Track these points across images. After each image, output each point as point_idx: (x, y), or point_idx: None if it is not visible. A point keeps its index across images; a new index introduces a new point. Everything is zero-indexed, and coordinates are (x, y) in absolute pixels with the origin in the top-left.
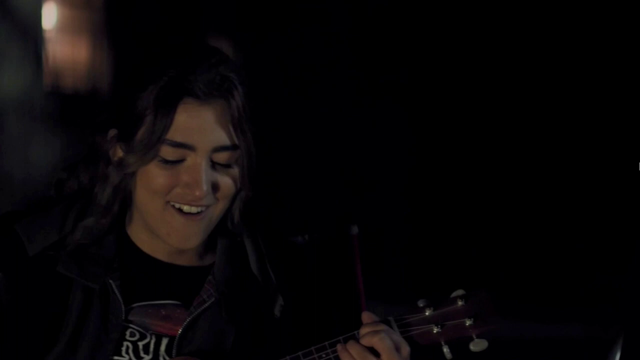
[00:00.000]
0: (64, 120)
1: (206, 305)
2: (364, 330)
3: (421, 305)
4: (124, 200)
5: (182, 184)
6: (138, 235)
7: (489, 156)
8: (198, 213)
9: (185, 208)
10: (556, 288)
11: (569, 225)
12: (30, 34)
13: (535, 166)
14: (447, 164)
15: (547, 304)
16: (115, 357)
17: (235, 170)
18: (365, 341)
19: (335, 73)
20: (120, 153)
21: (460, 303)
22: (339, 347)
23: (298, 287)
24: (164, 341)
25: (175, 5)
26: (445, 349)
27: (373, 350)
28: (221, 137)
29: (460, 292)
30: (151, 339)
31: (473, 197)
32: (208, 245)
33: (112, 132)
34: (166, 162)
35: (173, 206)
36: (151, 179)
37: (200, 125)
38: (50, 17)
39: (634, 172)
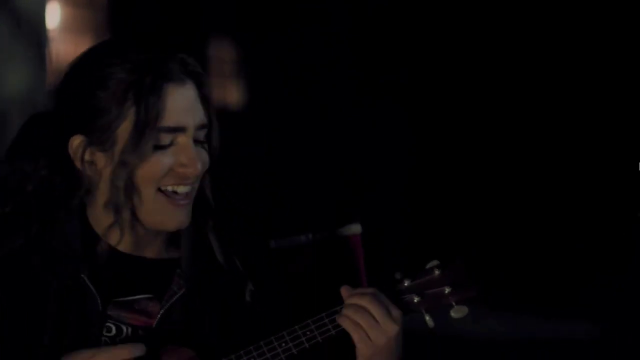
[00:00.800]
0: None
1: (177, 297)
2: (350, 297)
3: (398, 277)
4: (84, 194)
5: (178, 165)
6: (103, 228)
7: (489, 156)
8: (187, 194)
9: (180, 189)
10: (556, 288)
11: (569, 225)
12: (34, 33)
13: (535, 166)
14: (447, 164)
15: (547, 304)
16: None
17: (206, 148)
18: (354, 300)
19: (335, 73)
20: (95, 155)
21: (437, 272)
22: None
23: (265, 275)
24: (140, 335)
25: (176, 5)
26: (427, 317)
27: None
28: (200, 115)
29: (435, 262)
30: (127, 334)
31: (473, 197)
32: (171, 238)
33: (78, 139)
34: (161, 147)
35: (164, 192)
36: (152, 167)
37: (185, 106)
38: (53, 16)
39: (633, 172)
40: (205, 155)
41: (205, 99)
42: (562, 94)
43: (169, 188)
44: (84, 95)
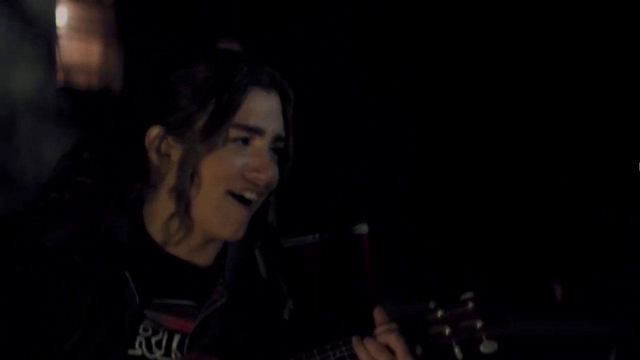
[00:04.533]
0: (76, 117)
1: (217, 305)
2: (379, 329)
3: (432, 306)
4: (142, 195)
5: (249, 168)
6: (160, 230)
7: (489, 156)
8: (253, 203)
9: (247, 194)
10: (556, 287)
11: (569, 225)
12: (43, 32)
13: (535, 166)
14: (448, 164)
15: (547, 304)
16: (130, 351)
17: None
18: (382, 339)
19: (335, 73)
20: (172, 147)
21: (471, 305)
22: (354, 339)
23: (304, 291)
24: (176, 338)
25: (177, 5)
26: (457, 350)
27: (388, 348)
28: (281, 127)
29: (469, 294)
30: (164, 335)
31: (474, 198)
32: (222, 248)
33: (156, 129)
34: (235, 140)
35: (232, 194)
36: (224, 164)
37: (267, 111)
38: (63, 15)
39: (633, 172)
40: (276, 170)
41: (286, 115)
42: (563, 95)
43: (237, 193)
44: (169, 88)
